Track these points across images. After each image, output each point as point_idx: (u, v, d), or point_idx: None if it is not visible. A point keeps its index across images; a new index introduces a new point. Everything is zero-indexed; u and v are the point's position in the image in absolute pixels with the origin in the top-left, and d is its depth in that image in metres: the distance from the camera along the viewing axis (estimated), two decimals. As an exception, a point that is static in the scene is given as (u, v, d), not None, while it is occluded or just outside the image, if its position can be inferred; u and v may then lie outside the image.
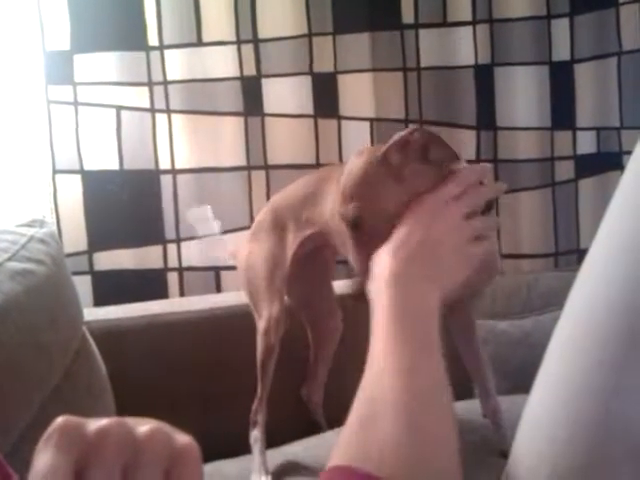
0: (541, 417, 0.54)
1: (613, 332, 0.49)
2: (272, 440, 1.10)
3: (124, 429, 0.34)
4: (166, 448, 0.34)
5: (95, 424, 0.33)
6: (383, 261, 0.64)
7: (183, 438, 0.35)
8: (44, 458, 0.32)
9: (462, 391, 1.33)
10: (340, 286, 1.22)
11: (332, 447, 0.54)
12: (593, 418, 0.49)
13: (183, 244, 1.58)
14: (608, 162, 1.76)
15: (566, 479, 0.51)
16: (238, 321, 1.24)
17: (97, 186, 1.52)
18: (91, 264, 1.53)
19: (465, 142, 1.71)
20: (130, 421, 0.35)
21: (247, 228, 1.59)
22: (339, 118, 1.62)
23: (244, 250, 1.15)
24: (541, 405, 0.54)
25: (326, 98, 1.61)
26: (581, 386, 0.50)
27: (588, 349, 0.51)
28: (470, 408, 1.13)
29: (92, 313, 1.23)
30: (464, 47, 1.68)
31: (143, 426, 0.34)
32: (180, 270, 1.59)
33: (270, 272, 1.08)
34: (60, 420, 0.33)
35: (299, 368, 1.27)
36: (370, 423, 0.53)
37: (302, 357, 1.26)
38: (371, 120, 1.64)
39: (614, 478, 0.49)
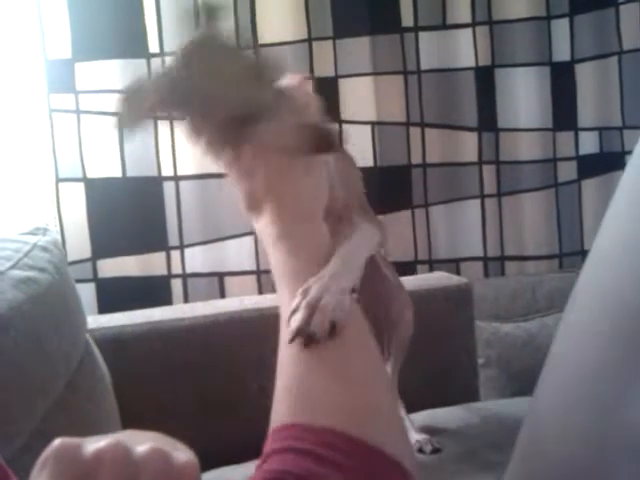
0: (542, 420, 0.54)
1: (614, 337, 0.49)
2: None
3: (121, 451, 0.33)
4: (164, 469, 0.33)
5: (92, 446, 0.33)
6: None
7: (182, 457, 0.34)
8: None
9: (463, 393, 1.33)
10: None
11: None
12: (592, 420, 0.49)
13: (187, 250, 1.58)
14: (611, 162, 1.75)
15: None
16: (242, 327, 1.25)
17: (100, 194, 1.52)
18: (95, 271, 1.54)
19: (467, 144, 1.71)
20: (128, 439, 0.34)
21: (250, 234, 1.60)
22: (340, 122, 1.63)
23: None
24: (542, 408, 0.54)
25: (327, 102, 1.61)
26: (582, 391, 0.50)
27: (588, 355, 0.50)
28: (473, 411, 1.13)
29: (96, 320, 1.23)
30: (464, 49, 1.68)
31: (141, 446, 0.33)
32: (184, 276, 1.59)
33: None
34: (56, 443, 0.32)
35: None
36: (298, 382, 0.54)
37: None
38: (372, 124, 1.64)
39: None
